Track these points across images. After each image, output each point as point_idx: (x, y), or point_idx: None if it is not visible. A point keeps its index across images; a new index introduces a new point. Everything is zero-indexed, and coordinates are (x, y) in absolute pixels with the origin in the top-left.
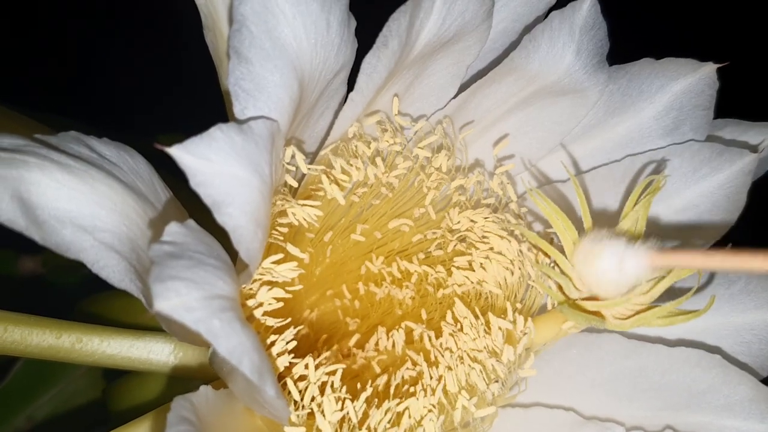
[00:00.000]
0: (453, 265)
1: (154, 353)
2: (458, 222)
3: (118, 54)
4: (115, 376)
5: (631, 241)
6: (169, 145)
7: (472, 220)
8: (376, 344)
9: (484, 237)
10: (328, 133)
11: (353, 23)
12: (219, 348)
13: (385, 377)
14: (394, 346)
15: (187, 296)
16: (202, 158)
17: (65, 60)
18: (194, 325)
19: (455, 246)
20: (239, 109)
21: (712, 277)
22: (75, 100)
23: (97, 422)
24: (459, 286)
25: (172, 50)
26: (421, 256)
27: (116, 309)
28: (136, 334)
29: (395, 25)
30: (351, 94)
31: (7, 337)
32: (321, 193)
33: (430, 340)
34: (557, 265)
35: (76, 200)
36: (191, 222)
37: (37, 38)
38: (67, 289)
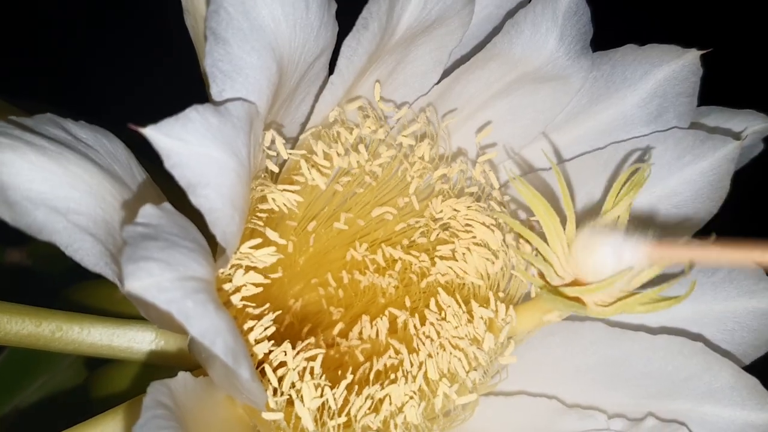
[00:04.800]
0: (436, 254)
1: (136, 342)
2: (441, 211)
3: (98, 42)
4: (100, 365)
5: (629, 233)
6: (144, 126)
7: (455, 209)
8: (360, 333)
9: (467, 226)
10: (308, 118)
11: (333, 6)
12: (191, 329)
13: (367, 365)
14: (377, 334)
15: (160, 276)
16: (177, 139)
17: (42, 49)
18: (166, 305)
19: (438, 235)
20: (216, 91)
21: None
22: (56, 90)
23: (83, 412)
24: (442, 275)
25: (155, 40)
26: (405, 243)
27: (101, 297)
28: (118, 323)
29: (375, 7)
30: (331, 78)
31: None
32: (302, 179)
33: (414, 327)
34: (539, 252)
35: (50, 182)
36: (167, 204)
37: (18, 28)
38: (54, 280)
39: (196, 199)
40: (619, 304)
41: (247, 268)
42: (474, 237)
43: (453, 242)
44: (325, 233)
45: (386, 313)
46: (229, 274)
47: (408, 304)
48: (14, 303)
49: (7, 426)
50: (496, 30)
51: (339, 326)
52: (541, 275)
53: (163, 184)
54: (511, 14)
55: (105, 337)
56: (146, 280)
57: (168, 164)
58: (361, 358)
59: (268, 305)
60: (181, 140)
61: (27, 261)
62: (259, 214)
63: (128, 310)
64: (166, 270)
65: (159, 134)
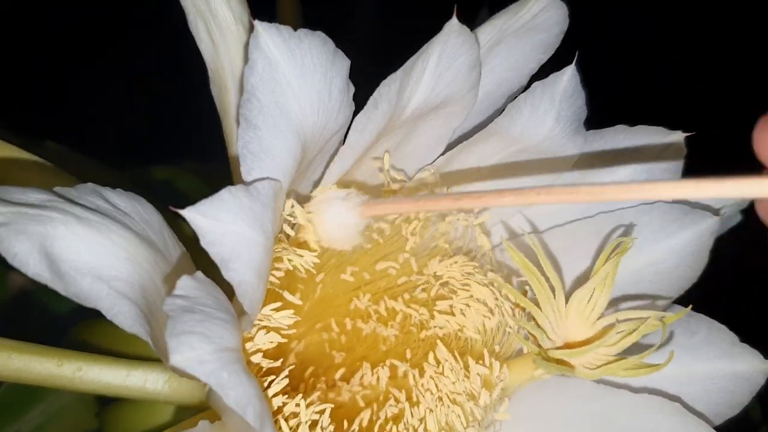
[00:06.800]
0: (435, 309)
1: (150, 382)
2: (440, 269)
3: (112, 81)
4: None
5: (347, 197)
6: (181, 205)
7: (451, 268)
8: (361, 379)
9: (465, 285)
10: (319, 183)
11: (351, 90)
12: (227, 399)
13: (368, 412)
14: (378, 381)
15: (200, 350)
16: (212, 219)
17: (58, 88)
18: (206, 377)
19: (437, 290)
20: (246, 170)
21: (673, 334)
22: (66, 126)
23: None
24: (441, 329)
25: (167, 82)
26: (407, 296)
27: (109, 336)
28: (132, 364)
29: (385, 90)
30: (341, 149)
31: (10, 365)
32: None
33: (414, 378)
34: (532, 317)
35: (95, 252)
36: (200, 274)
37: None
38: (56, 307)
39: (228, 273)
40: (605, 368)
41: (267, 329)
42: (471, 295)
43: (451, 298)
44: (332, 282)
45: (387, 362)
46: (251, 335)
47: (408, 355)
48: (36, 343)
49: None
50: (497, 108)
51: (341, 371)
52: (534, 338)
53: (184, 238)
54: (512, 95)
55: (120, 378)
56: (188, 353)
57: (204, 242)
58: (362, 404)
59: (281, 360)
60: (216, 220)
61: (31, 286)
62: (274, 273)
63: (135, 350)
64: (204, 342)
65: (196, 215)
